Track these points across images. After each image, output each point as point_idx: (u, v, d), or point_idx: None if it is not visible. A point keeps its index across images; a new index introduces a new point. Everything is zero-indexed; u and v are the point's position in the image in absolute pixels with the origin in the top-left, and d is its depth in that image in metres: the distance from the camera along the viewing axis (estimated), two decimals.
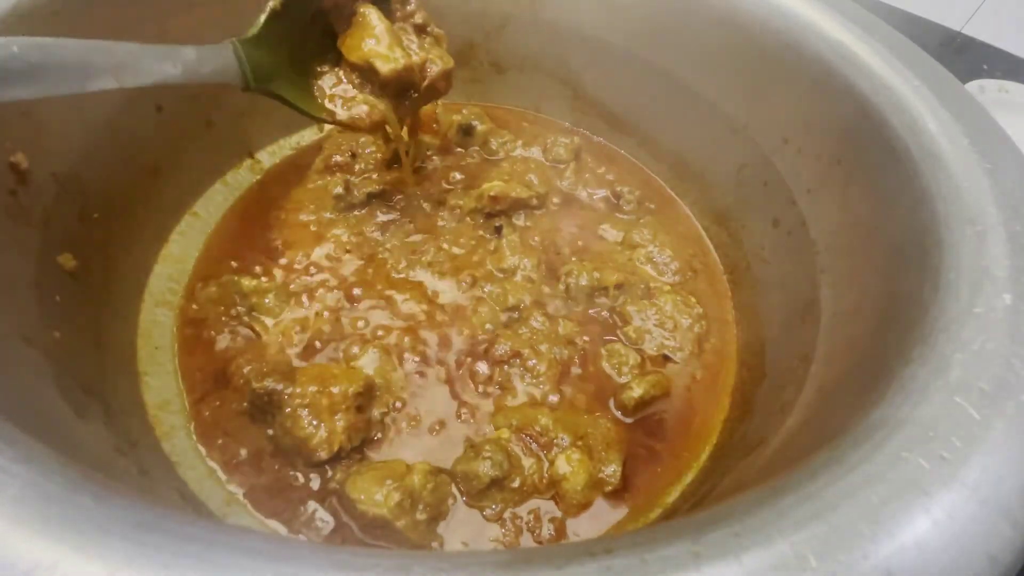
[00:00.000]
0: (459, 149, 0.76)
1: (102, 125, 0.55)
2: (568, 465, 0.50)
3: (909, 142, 0.45)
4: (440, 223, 0.67)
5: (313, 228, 0.66)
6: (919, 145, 0.44)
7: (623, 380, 0.57)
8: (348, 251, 0.64)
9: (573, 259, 0.65)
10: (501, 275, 0.63)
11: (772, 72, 0.59)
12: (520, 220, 0.69)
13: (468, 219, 0.68)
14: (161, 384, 0.54)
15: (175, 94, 0.61)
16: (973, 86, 0.91)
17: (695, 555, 0.25)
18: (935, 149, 0.44)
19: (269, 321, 0.58)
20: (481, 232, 0.67)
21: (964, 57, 1.04)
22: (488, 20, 0.75)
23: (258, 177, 0.72)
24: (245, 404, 0.52)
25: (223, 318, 0.58)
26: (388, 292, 0.61)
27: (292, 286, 0.61)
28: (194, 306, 0.59)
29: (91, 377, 0.47)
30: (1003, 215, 0.39)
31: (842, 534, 0.26)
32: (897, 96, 0.48)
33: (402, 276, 0.62)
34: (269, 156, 0.74)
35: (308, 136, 0.77)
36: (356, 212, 0.67)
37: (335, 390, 0.49)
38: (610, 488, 0.50)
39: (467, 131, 0.77)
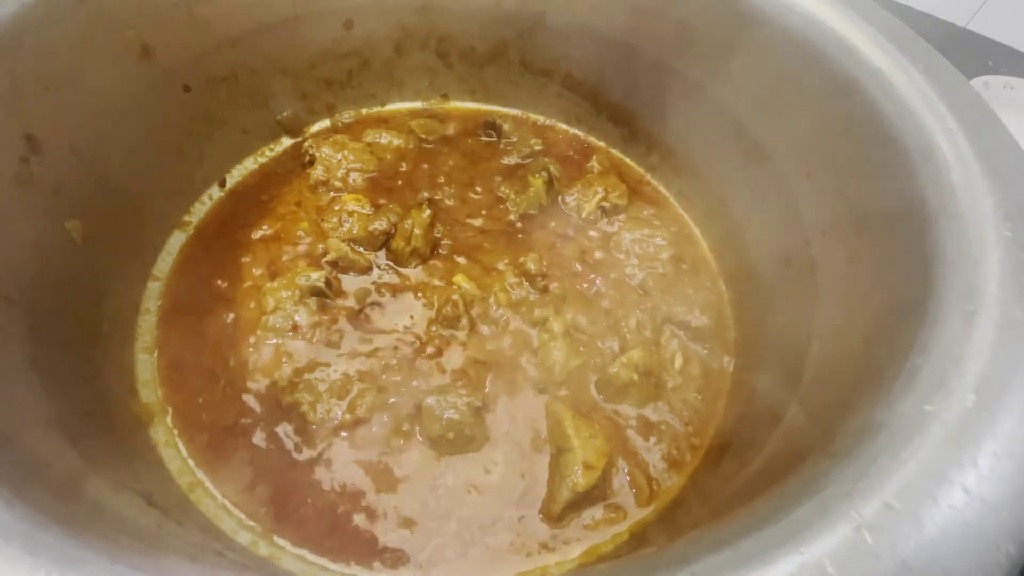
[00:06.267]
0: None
1: (127, 103, 0.57)
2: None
3: (928, 192, 0.42)
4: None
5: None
6: (939, 198, 0.41)
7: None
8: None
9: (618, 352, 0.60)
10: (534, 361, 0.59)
11: (804, 96, 0.56)
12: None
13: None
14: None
15: (204, 75, 0.63)
16: (978, 82, 0.89)
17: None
18: (956, 209, 0.40)
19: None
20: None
21: (969, 53, 0.99)
22: (521, 20, 0.74)
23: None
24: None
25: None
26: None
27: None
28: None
29: (75, 337, 0.50)
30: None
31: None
32: (929, 142, 0.44)
33: None
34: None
35: (342, 120, 0.79)
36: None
37: None
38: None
39: (491, 125, 0.78)
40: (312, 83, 0.74)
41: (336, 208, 0.66)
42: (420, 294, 0.62)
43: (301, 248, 0.64)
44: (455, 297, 0.60)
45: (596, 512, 0.51)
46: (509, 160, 0.76)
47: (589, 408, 0.56)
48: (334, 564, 0.47)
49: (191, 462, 0.51)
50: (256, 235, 0.66)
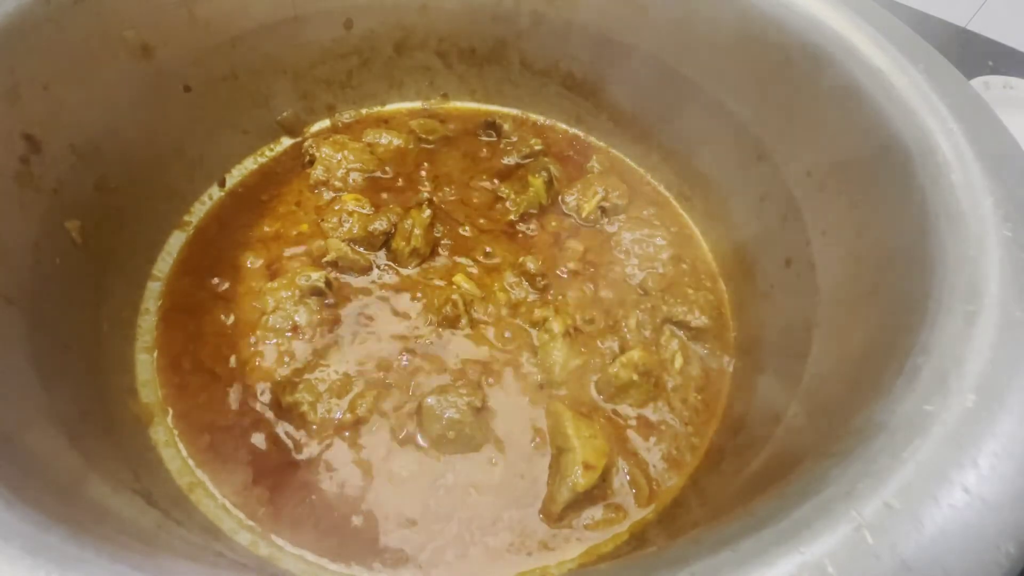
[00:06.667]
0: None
1: (127, 103, 0.57)
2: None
3: (928, 192, 0.42)
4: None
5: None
6: (938, 198, 0.41)
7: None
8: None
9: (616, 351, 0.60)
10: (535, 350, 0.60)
11: (804, 96, 0.56)
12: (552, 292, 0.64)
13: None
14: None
15: (204, 75, 0.63)
16: (978, 82, 0.89)
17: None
18: (956, 209, 0.40)
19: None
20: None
21: (969, 53, 0.99)
22: (521, 20, 0.74)
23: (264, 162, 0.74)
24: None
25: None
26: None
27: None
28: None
29: (75, 337, 0.50)
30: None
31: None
32: (929, 142, 0.44)
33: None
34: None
35: (342, 120, 0.79)
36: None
37: None
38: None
39: (491, 125, 0.78)
40: (312, 83, 0.74)
41: (336, 208, 0.66)
42: (420, 294, 0.62)
43: (301, 248, 0.64)
44: (455, 297, 0.60)
45: (596, 512, 0.51)
46: (509, 160, 0.76)
47: (589, 408, 0.56)
48: (334, 564, 0.47)
49: (191, 462, 0.51)
50: (256, 235, 0.66)
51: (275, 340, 0.57)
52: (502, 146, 0.77)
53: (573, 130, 0.81)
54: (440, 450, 0.52)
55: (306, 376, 0.55)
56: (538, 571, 0.48)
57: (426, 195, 0.69)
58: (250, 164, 0.73)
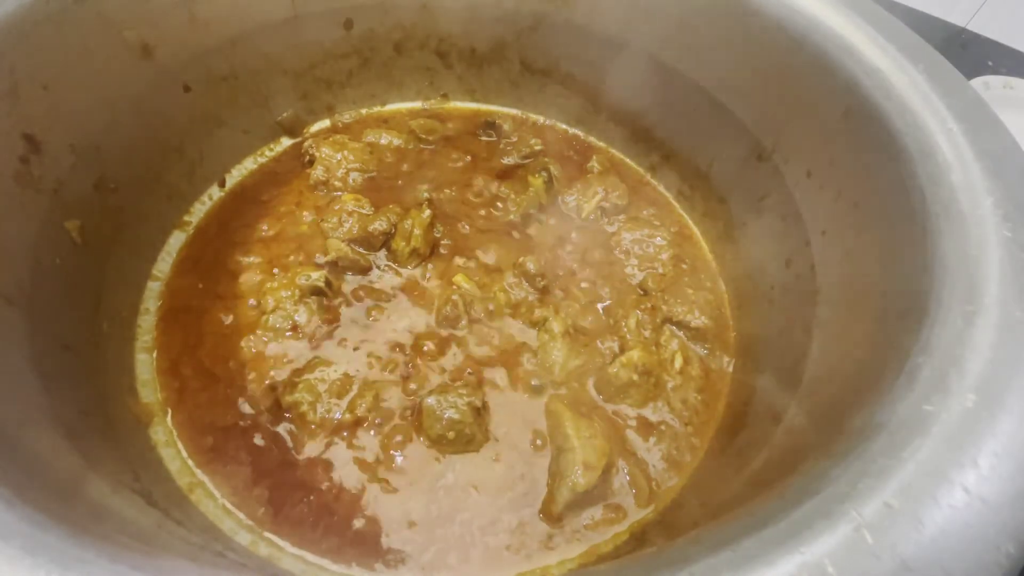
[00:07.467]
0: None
1: (127, 103, 0.57)
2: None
3: (928, 192, 0.42)
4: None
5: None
6: (938, 198, 0.41)
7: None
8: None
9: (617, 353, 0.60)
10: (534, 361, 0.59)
11: (804, 96, 0.56)
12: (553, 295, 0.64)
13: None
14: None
15: (204, 75, 0.63)
16: (978, 83, 0.90)
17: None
18: (956, 209, 0.40)
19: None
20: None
21: (969, 53, 1.00)
22: (521, 20, 0.74)
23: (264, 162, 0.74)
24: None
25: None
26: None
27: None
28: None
29: (75, 337, 0.50)
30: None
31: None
32: (929, 142, 0.44)
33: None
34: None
35: (342, 120, 0.79)
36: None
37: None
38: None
39: (491, 125, 0.78)
40: (312, 83, 0.74)
41: (336, 208, 0.66)
42: (420, 294, 0.62)
43: (301, 248, 0.64)
44: (455, 297, 0.60)
45: (596, 512, 0.51)
46: (509, 160, 0.76)
47: (589, 408, 0.56)
48: (335, 565, 0.47)
49: (191, 462, 0.51)
50: (256, 235, 0.66)
51: (275, 340, 0.57)
52: (502, 146, 0.77)
53: (573, 130, 0.81)
54: (440, 450, 0.52)
55: (306, 376, 0.55)
56: (538, 571, 0.48)
57: (426, 195, 0.69)
58: (250, 164, 0.73)
